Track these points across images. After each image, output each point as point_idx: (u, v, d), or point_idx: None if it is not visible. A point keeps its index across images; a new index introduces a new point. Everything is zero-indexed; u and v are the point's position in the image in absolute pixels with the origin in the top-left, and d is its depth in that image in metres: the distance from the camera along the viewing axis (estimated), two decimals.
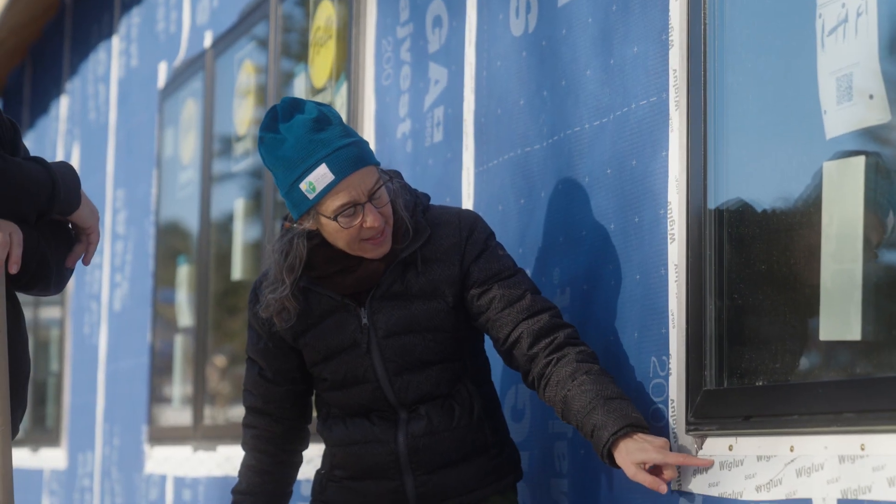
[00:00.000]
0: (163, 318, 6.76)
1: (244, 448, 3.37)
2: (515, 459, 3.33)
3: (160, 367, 6.76)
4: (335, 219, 3.04)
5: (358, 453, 3.24)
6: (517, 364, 3.15)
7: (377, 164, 3.10)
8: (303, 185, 3.03)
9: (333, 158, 3.02)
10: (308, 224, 3.09)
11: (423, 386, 3.20)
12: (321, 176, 3.02)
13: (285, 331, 3.21)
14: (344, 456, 3.26)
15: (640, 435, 2.92)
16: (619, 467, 2.96)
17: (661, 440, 2.91)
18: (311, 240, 3.12)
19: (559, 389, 3.03)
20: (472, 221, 3.21)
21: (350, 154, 3.03)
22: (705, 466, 2.89)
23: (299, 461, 3.41)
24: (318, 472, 3.37)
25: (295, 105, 3.07)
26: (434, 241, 3.18)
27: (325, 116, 3.05)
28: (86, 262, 2.95)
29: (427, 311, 3.17)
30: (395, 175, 3.25)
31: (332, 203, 3.03)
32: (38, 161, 2.80)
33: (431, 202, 3.33)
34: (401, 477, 3.22)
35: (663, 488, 2.88)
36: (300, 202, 3.05)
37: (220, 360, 6.14)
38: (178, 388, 6.58)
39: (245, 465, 3.36)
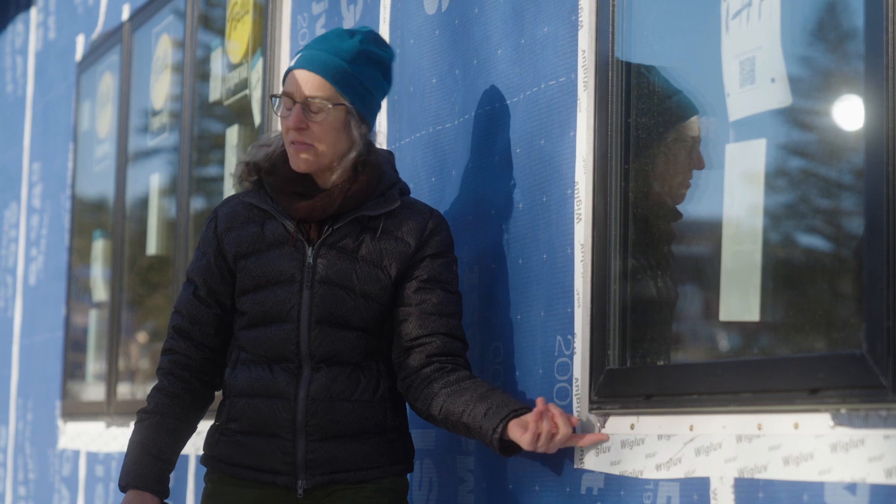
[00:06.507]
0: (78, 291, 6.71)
1: (159, 374, 3.33)
2: (410, 451, 3.33)
3: (75, 342, 6.71)
4: (277, 100, 3.21)
5: (257, 406, 3.22)
6: (405, 360, 3.22)
7: (344, 94, 3.18)
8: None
9: (308, 53, 3.20)
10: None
11: (338, 344, 3.20)
12: (292, 59, 3.23)
13: (229, 247, 3.26)
14: (243, 407, 3.23)
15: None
16: (515, 453, 3.09)
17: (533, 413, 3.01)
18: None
19: (447, 391, 3.15)
20: (440, 220, 3.30)
21: (319, 58, 3.19)
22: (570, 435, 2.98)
23: (210, 398, 3.37)
24: (212, 426, 3.34)
25: (358, 32, 3.25)
26: (400, 217, 3.26)
27: (354, 35, 3.22)
28: None
29: (367, 276, 3.22)
30: (387, 153, 3.35)
31: (284, 87, 3.21)
32: None
33: None
34: (294, 439, 3.19)
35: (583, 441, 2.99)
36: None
37: (142, 337, 6.11)
38: (93, 362, 6.54)
39: (156, 388, 3.33)
